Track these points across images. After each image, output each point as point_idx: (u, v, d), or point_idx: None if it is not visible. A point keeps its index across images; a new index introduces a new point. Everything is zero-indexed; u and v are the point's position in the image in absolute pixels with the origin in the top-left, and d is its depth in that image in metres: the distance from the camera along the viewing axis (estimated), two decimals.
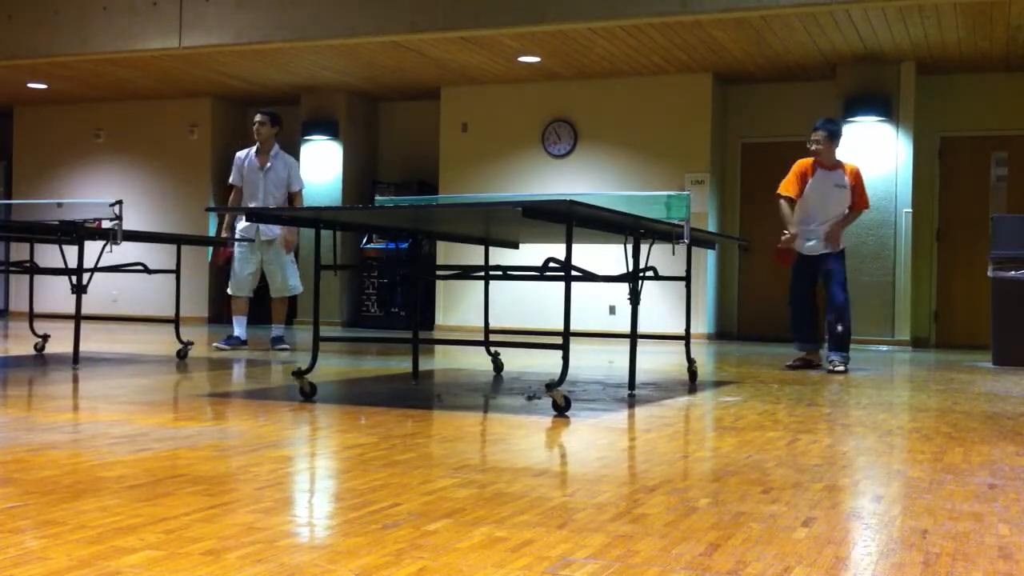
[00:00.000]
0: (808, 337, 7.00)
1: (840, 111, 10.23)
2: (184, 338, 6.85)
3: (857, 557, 1.93)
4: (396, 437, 3.35)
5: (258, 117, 8.01)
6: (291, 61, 10.67)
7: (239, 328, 7.94)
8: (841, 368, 6.69)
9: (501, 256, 10.04)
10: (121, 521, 2.07)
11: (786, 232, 6.83)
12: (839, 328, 6.75)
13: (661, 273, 5.54)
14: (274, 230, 7.82)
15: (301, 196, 8.04)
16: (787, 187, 6.89)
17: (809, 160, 6.90)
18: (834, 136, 6.86)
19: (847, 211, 6.90)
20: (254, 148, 8.01)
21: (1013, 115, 10.34)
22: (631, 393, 4.89)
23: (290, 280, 7.99)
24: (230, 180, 8.11)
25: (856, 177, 6.86)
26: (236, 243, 7.85)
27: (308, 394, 4.43)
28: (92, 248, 6.19)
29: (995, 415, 4.39)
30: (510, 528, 2.08)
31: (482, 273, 5.58)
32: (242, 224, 7.87)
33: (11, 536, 1.94)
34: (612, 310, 10.78)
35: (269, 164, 7.89)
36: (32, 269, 6.98)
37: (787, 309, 7.09)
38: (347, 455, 2.99)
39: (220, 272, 11.06)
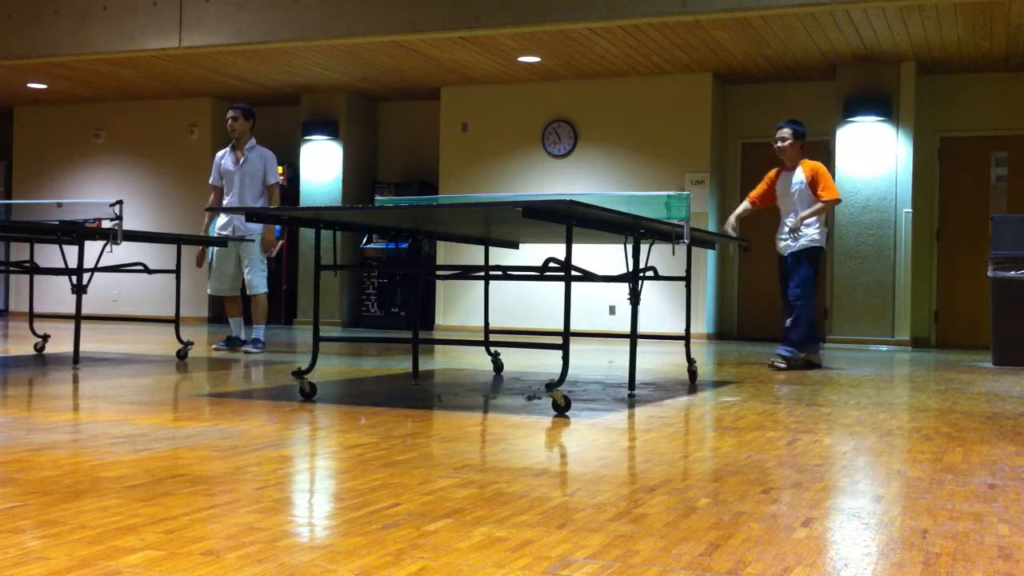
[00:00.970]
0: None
1: (840, 111, 10.23)
2: (184, 338, 6.85)
3: (857, 557, 1.93)
4: (396, 437, 3.35)
5: (230, 112, 7.79)
6: (291, 61, 10.67)
7: (236, 329, 7.89)
8: (782, 365, 6.72)
9: (501, 256, 10.05)
10: (121, 521, 2.07)
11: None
12: (787, 323, 6.78)
13: (661, 273, 5.54)
14: (249, 227, 7.59)
15: (277, 190, 7.80)
16: (752, 192, 7.25)
17: (776, 168, 7.07)
18: (799, 136, 6.91)
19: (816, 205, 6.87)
20: (230, 146, 7.86)
21: (1013, 115, 10.35)
22: (631, 393, 4.89)
23: (254, 279, 7.70)
24: (210, 181, 7.92)
25: (814, 172, 6.85)
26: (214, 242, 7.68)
27: (308, 394, 4.43)
28: (92, 248, 6.19)
29: (995, 415, 4.39)
30: (510, 528, 2.08)
31: (482, 273, 5.58)
32: (220, 222, 7.75)
33: (11, 536, 1.94)
34: (612, 310, 10.77)
35: (244, 158, 7.68)
36: (32, 269, 6.98)
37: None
38: (347, 455, 2.99)
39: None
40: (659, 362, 7.28)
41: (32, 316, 7.54)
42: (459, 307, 11.62)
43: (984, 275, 8.22)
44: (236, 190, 7.68)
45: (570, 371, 4.22)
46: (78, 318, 6.08)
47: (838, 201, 6.95)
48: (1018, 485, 2.72)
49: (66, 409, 4.04)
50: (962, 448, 3.38)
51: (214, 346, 7.85)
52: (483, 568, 1.78)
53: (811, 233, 6.82)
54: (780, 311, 8.31)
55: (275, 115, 12.59)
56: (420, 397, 4.72)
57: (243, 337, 7.86)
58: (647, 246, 4.97)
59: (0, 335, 9.48)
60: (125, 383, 5.09)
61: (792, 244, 6.84)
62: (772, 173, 7.10)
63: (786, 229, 6.90)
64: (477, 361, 6.93)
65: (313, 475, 2.75)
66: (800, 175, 6.87)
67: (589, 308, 10.60)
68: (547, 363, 6.74)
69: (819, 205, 6.81)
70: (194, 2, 10.12)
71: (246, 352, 7.50)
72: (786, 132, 6.89)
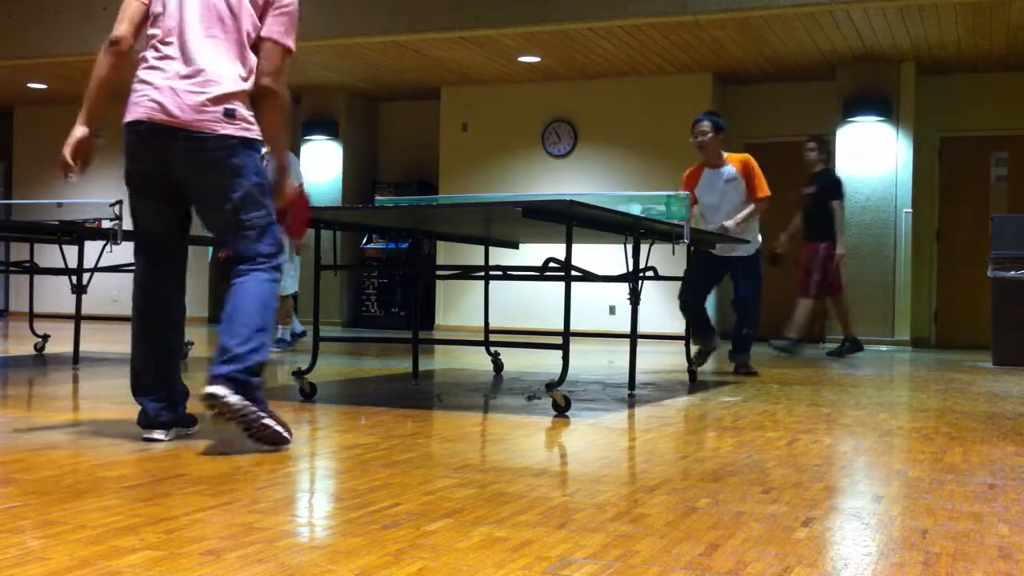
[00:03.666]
0: (709, 332, 6.36)
1: (840, 111, 10.23)
2: (184, 338, 6.83)
3: (857, 557, 1.93)
4: (396, 437, 3.35)
5: None
6: (291, 61, 10.66)
7: (282, 331, 7.97)
8: (754, 371, 6.37)
9: (501, 256, 10.04)
10: (121, 521, 2.07)
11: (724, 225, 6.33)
12: (744, 330, 6.36)
13: (661, 273, 5.54)
14: None
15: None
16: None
17: (692, 168, 6.43)
18: (719, 128, 6.25)
19: (750, 205, 6.26)
20: None
21: (1013, 115, 10.35)
22: (631, 393, 4.89)
23: (282, 281, 7.84)
24: None
25: (747, 166, 6.25)
26: None
27: (308, 394, 4.43)
28: (92, 248, 6.19)
29: (995, 415, 4.39)
30: (510, 528, 2.08)
31: (482, 273, 5.58)
32: None
33: (11, 536, 1.93)
34: (612, 310, 10.77)
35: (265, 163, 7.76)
36: (32, 269, 6.98)
37: (682, 306, 6.41)
38: (347, 455, 2.99)
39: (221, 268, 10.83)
40: (659, 362, 7.28)
41: (32, 316, 7.54)
42: (459, 307, 11.62)
43: (984, 275, 8.22)
44: None
45: (570, 371, 4.22)
46: (78, 318, 6.08)
47: (766, 203, 6.33)
48: (1018, 485, 2.72)
49: (66, 409, 4.04)
50: (962, 448, 3.38)
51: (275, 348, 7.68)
52: (483, 568, 1.78)
53: (756, 232, 6.38)
54: (780, 311, 8.28)
55: None
56: (420, 397, 4.72)
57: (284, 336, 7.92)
58: (647, 246, 4.97)
59: (0, 335, 9.47)
60: (125, 383, 5.07)
61: (744, 248, 6.31)
62: (691, 172, 6.39)
63: (722, 227, 6.24)
64: (477, 361, 6.93)
65: (313, 475, 2.75)
66: (731, 170, 6.24)
67: (589, 308, 10.60)
68: (547, 363, 6.74)
69: (752, 208, 6.21)
70: None
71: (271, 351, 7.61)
72: (706, 125, 6.21)
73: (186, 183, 3.13)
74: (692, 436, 3.62)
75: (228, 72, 3.07)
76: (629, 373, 4.91)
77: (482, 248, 6.16)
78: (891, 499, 2.50)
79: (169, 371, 3.24)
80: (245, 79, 3.10)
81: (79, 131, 3.21)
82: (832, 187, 8.57)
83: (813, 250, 8.47)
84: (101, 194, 12.87)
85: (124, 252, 7.59)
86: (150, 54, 3.17)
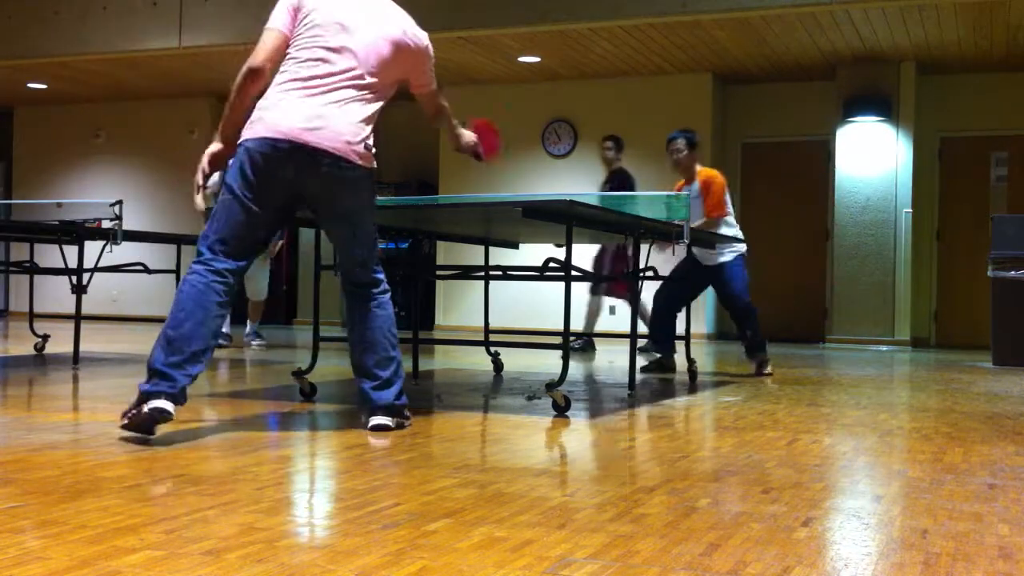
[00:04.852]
0: (668, 340, 6.30)
1: (840, 111, 10.24)
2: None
3: (857, 557, 1.93)
4: (396, 437, 3.35)
5: None
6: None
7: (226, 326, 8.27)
8: (768, 371, 6.40)
9: (501, 256, 10.05)
10: (121, 521, 2.07)
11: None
12: (748, 333, 6.36)
13: (661, 273, 5.54)
14: None
15: None
16: None
17: (679, 183, 6.53)
18: (692, 144, 6.37)
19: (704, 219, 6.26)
20: None
21: (1013, 115, 10.35)
22: (631, 393, 4.89)
23: (261, 283, 8.29)
24: None
25: (705, 183, 6.30)
26: None
27: (308, 394, 4.43)
28: (92, 248, 6.19)
29: (995, 415, 4.39)
30: (510, 528, 2.08)
31: (482, 273, 5.58)
32: None
33: (11, 536, 1.93)
34: (612, 310, 10.77)
35: None
36: (32, 269, 6.97)
37: (656, 307, 6.37)
38: (347, 455, 2.99)
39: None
40: None
41: (32, 316, 7.54)
42: (459, 307, 11.61)
43: (984, 275, 8.23)
44: None
45: (570, 371, 4.21)
46: (78, 318, 6.08)
47: (718, 223, 6.27)
48: (1018, 485, 2.72)
49: (66, 409, 4.04)
50: (962, 448, 3.38)
51: (255, 345, 8.17)
52: (483, 568, 1.78)
53: (737, 235, 6.34)
54: (780, 311, 8.29)
55: None
56: (420, 397, 4.72)
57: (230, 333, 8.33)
58: (647, 246, 4.97)
59: (0, 335, 9.47)
60: (125, 383, 5.09)
61: (722, 254, 6.28)
62: (679, 188, 6.47)
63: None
64: (477, 361, 6.93)
65: (313, 475, 2.75)
66: (697, 186, 6.34)
67: None
68: (547, 363, 6.74)
69: (702, 222, 6.21)
70: (194, 2, 10.12)
71: (260, 346, 8.08)
72: (680, 143, 6.35)
73: (318, 198, 3.41)
74: (692, 436, 3.62)
75: (366, 108, 3.44)
76: (629, 373, 4.91)
77: (482, 248, 6.16)
78: (891, 499, 2.50)
79: (206, 356, 3.24)
80: (374, 115, 3.51)
81: (215, 146, 3.48)
82: (627, 184, 8.46)
83: (603, 248, 8.23)
84: (101, 194, 12.89)
85: (124, 252, 7.62)
86: (292, 77, 3.39)
